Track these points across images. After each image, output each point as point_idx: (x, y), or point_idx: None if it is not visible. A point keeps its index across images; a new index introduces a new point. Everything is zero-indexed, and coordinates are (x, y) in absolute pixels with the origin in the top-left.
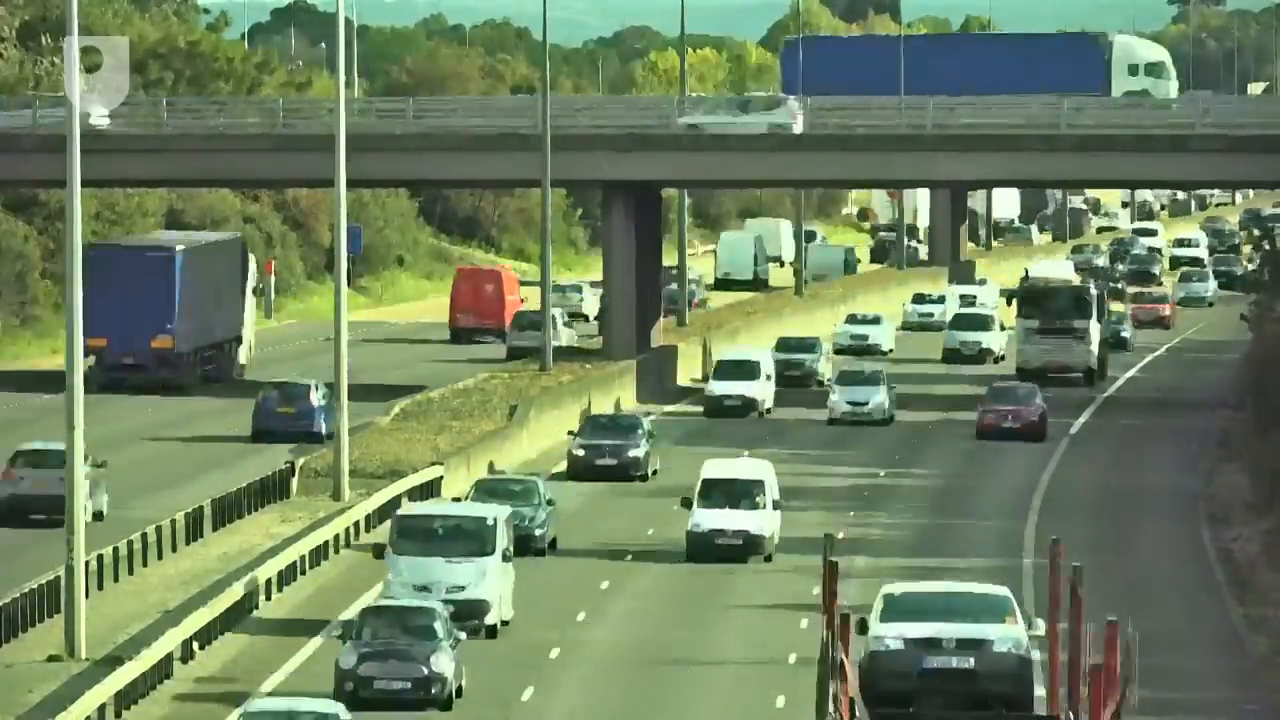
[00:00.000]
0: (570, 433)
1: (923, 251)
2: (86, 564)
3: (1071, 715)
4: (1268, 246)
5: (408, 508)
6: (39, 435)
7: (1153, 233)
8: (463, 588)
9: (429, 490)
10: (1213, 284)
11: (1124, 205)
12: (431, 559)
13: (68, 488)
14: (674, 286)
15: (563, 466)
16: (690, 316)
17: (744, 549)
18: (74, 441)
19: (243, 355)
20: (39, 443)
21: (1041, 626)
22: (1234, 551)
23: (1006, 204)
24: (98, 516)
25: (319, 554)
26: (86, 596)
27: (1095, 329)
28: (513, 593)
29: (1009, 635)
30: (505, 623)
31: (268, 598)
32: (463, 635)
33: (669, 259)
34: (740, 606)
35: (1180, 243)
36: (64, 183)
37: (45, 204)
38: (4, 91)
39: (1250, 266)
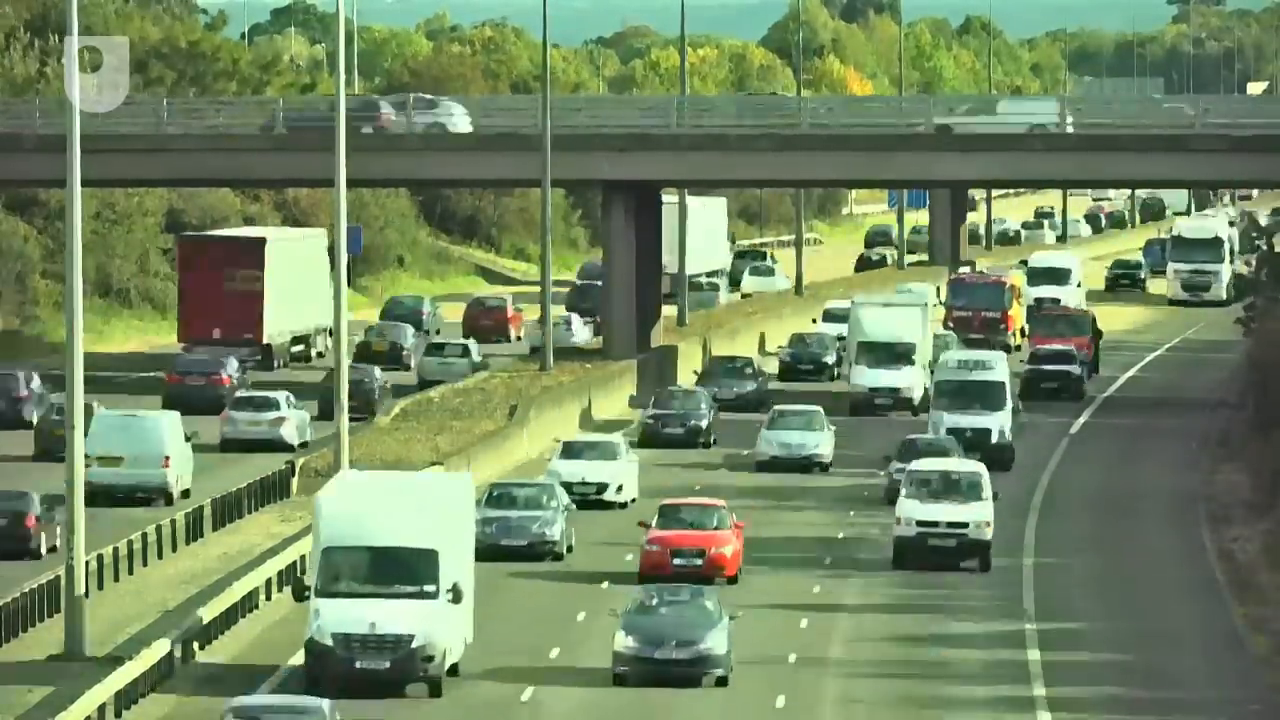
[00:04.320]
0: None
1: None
2: (86, 564)
3: None
4: (1265, 248)
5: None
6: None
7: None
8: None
9: None
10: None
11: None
12: None
13: (69, 485)
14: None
15: None
16: (690, 316)
17: None
18: (74, 441)
19: None
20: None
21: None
22: (1234, 551)
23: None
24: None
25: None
26: (86, 596)
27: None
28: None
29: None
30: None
31: (268, 597)
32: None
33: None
34: (740, 606)
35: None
36: (64, 183)
37: (45, 204)
38: (11, 92)
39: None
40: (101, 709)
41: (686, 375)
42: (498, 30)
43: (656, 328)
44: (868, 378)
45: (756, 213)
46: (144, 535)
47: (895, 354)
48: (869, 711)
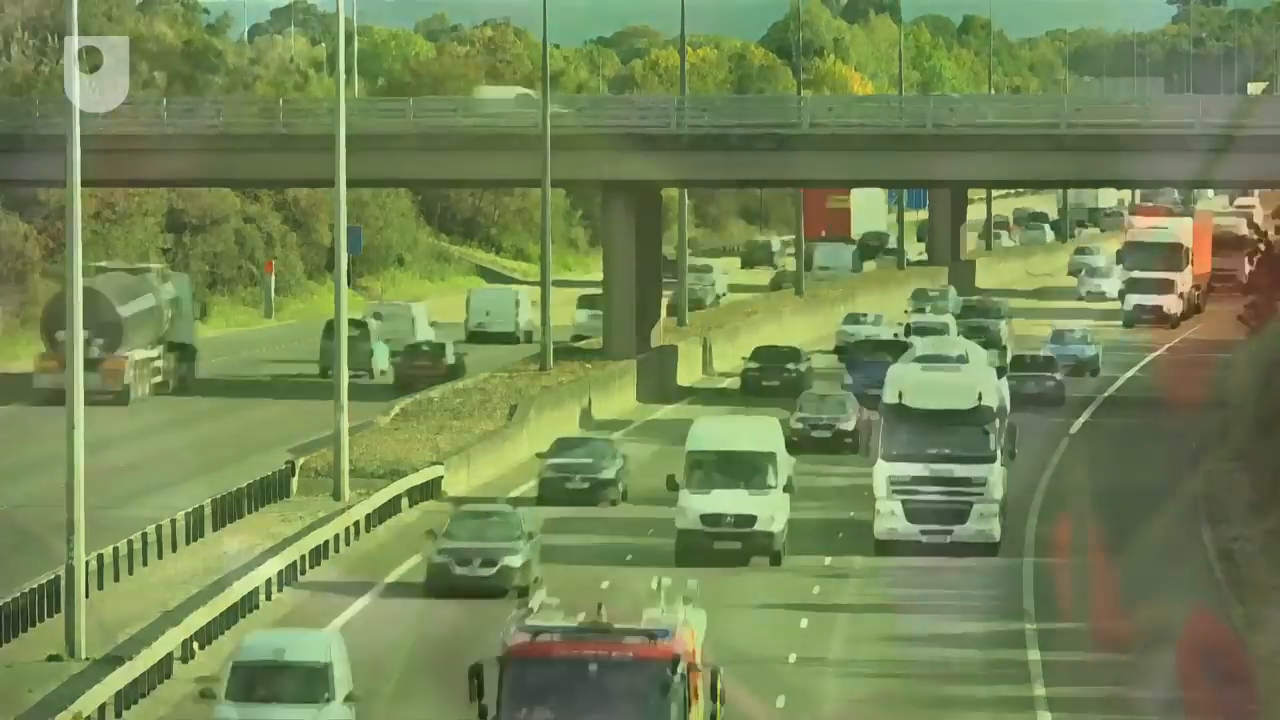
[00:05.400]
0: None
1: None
2: (86, 564)
3: None
4: (1263, 248)
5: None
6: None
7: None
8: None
9: (429, 490)
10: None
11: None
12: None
13: (67, 487)
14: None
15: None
16: (690, 316)
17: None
18: (74, 441)
19: None
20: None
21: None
22: (1234, 551)
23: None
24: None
25: (319, 553)
26: (86, 596)
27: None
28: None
29: None
30: None
31: (268, 597)
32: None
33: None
34: (741, 606)
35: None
36: (64, 183)
37: (45, 204)
38: (12, 92)
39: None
40: (102, 709)
41: (685, 375)
42: (498, 30)
43: (656, 328)
44: None
45: (757, 212)
46: (144, 535)
47: None
48: (869, 711)
